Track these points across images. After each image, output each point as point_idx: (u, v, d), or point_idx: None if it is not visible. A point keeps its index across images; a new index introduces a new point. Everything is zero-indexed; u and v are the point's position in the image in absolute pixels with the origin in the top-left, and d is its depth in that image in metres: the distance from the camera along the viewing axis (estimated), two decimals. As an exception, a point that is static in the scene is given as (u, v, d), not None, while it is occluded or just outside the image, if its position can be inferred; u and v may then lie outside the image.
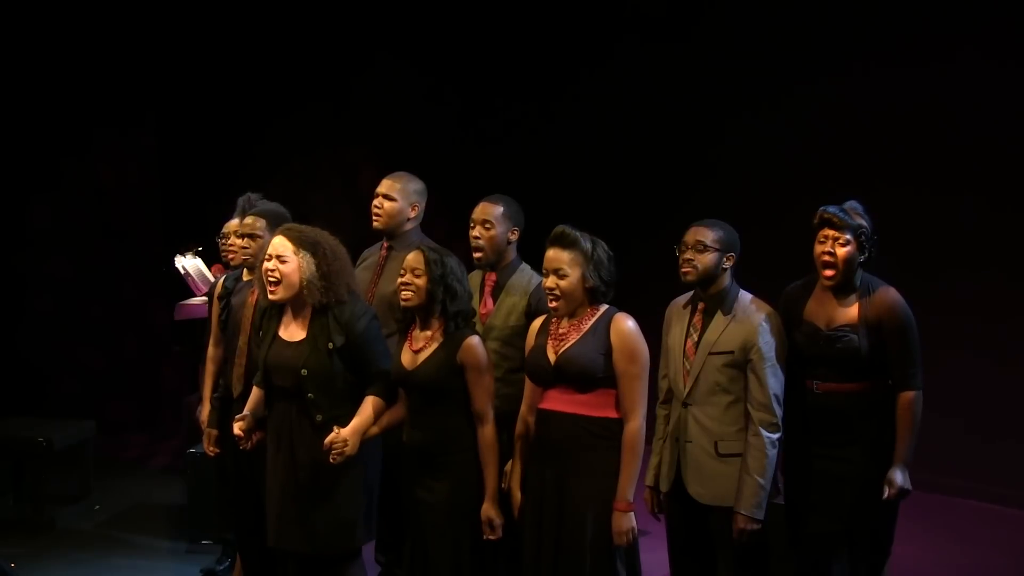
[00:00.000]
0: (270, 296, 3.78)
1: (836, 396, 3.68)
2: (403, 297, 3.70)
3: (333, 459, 3.62)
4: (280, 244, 3.77)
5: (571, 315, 3.59)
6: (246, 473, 4.20)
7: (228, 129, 7.93)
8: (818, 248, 3.68)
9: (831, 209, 3.66)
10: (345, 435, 3.63)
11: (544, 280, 3.60)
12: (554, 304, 3.57)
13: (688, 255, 3.67)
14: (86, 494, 6.33)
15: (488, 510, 3.62)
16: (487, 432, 3.65)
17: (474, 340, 3.68)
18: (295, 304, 3.81)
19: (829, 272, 3.66)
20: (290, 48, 7.94)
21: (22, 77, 7.51)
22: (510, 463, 3.76)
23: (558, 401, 3.57)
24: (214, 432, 4.43)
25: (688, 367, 3.71)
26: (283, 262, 3.74)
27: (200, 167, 7.97)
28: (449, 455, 3.68)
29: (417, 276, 3.67)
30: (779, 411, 3.61)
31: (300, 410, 3.76)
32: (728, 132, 6.91)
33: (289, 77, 7.97)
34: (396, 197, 4.48)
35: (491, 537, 3.62)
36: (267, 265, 3.76)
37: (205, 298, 5.58)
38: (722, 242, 3.67)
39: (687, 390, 3.70)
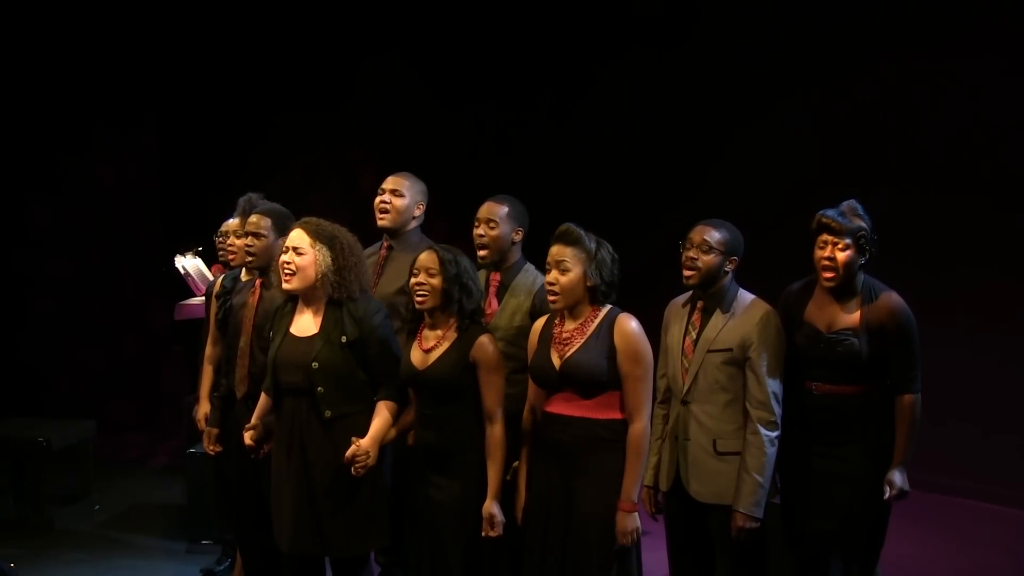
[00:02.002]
0: (284, 286, 3.78)
1: (835, 398, 3.68)
2: (418, 298, 3.68)
3: (356, 472, 3.62)
4: (297, 237, 3.77)
5: (574, 316, 3.59)
6: (248, 473, 4.19)
7: (228, 129, 7.94)
8: (818, 253, 3.69)
9: (828, 214, 3.66)
10: (366, 446, 3.63)
11: (546, 275, 3.60)
12: (553, 299, 3.58)
13: (692, 253, 3.67)
14: (86, 494, 6.34)
15: (490, 507, 3.61)
16: (496, 431, 3.64)
17: (487, 338, 3.67)
18: (308, 298, 3.81)
19: (829, 275, 3.67)
20: (290, 48, 7.94)
21: (23, 77, 7.51)
22: (517, 463, 3.75)
23: (564, 405, 3.57)
24: (215, 431, 4.42)
25: (687, 365, 3.71)
26: (300, 254, 3.75)
27: (200, 167, 7.97)
28: (461, 454, 3.66)
29: (432, 276, 3.66)
30: (778, 409, 3.61)
31: (310, 408, 3.74)
32: (733, 133, 6.91)
33: (289, 77, 7.97)
34: (405, 193, 4.46)
35: (491, 534, 3.61)
36: (283, 257, 3.77)
37: (205, 298, 5.57)
38: (726, 244, 3.67)
39: (686, 388, 3.70)
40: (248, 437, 3.93)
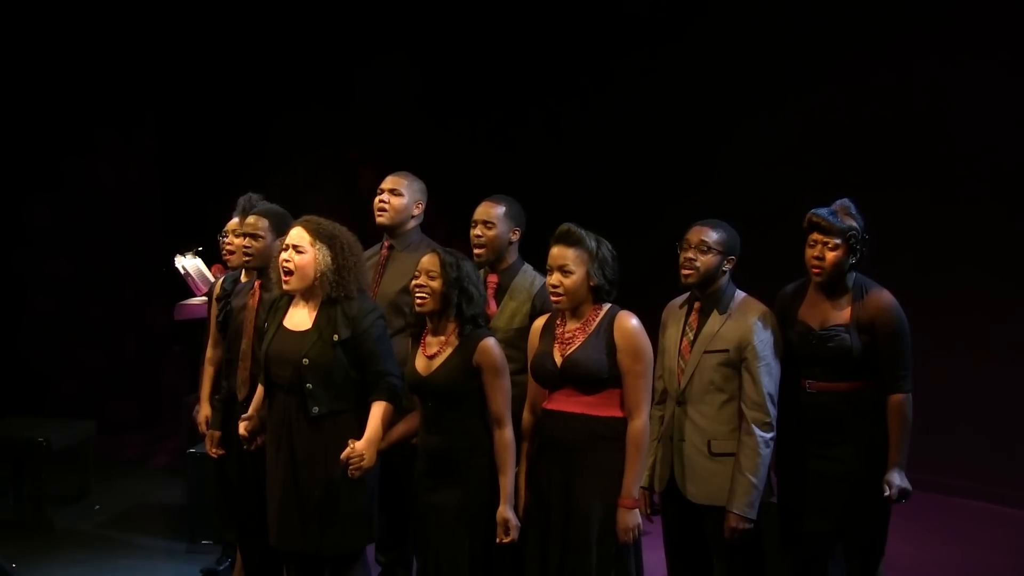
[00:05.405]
0: (284, 286, 3.77)
1: (829, 396, 3.68)
2: (417, 301, 3.66)
3: (352, 474, 3.60)
4: (297, 235, 3.76)
5: (576, 315, 3.59)
6: (250, 474, 4.17)
7: (228, 129, 7.95)
8: (808, 252, 3.70)
9: (819, 212, 3.67)
10: (361, 449, 3.60)
11: (548, 277, 3.59)
12: (557, 300, 3.57)
13: (690, 254, 3.68)
14: (86, 494, 6.34)
15: (504, 512, 3.56)
16: (505, 435, 3.60)
17: (490, 341, 3.63)
18: (305, 294, 3.80)
19: (817, 270, 3.68)
20: (290, 48, 7.95)
21: (23, 77, 7.51)
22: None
23: (564, 402, 3.57)
24: (217, 433, 4.41)
25: (683, 366, 3.72)
26: (299, 252, 3.73)
27: (200, 167, 7.98)
28: (466, 460, 3.63)
29: (432, 279, 3.63)
30: (773, 410, 3.61)
31: (299, 405, 3.73)
32: (732, 134, 6.91)
33: (289, 77, 7.97)
34: (403, 192, 4.47)
35: (506, 540, 3.56)
36: (283, 256, 3.75)
37: (205, 298, 5.58)
38: (724, 244, 3.68)
39: (681, 389, 3.71)
40: (243, 428, 3.93)
